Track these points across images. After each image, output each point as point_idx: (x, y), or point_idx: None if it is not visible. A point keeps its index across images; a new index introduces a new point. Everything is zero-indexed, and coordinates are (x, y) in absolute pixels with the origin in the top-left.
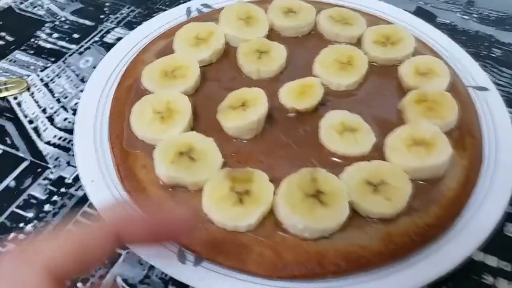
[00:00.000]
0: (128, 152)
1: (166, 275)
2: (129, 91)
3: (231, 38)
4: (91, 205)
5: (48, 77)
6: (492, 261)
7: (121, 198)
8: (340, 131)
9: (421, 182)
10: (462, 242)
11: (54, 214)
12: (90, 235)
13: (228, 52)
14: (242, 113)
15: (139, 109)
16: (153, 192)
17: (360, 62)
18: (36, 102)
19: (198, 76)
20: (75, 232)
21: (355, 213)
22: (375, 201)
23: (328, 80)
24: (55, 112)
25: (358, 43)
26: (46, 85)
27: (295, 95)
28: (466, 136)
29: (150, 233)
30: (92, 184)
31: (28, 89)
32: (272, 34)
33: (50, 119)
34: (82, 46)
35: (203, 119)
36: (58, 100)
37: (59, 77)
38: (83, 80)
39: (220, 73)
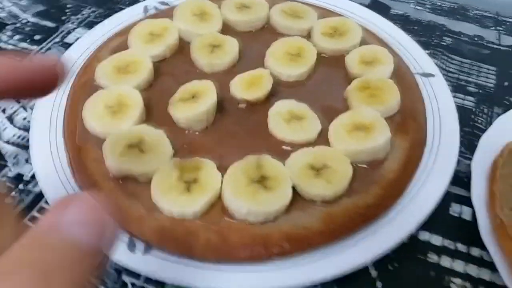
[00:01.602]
0: (81, 147)
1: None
2: (83, 88)
3: (185, 33)
4: (47, 201)
5: None
6: (436, 240)
7: (74, 193)
8: (287, 119)
9: (363, 166)
10: (404, 221)
11: None
12: None
13: (182, 48)
14: (192, 105)
15: (91, 105)
16: (104, 184)
17: (309, 53)
18: None
19: (150, 70)
20: None
21: (299, 196)
22: (316, 184)
23: (278, 71)
24: (14, 112)
25: (309, 35)
26: None
27: (245, 87)
28: (408, 120)
29: (16, 79)
30: (47, 180)
31: None
32: (226, 29)
33: (10, 118)
34: (43, 47)
35: (156, 113)
36: (18, 100)
37: None
38: None
39: (174, 67)
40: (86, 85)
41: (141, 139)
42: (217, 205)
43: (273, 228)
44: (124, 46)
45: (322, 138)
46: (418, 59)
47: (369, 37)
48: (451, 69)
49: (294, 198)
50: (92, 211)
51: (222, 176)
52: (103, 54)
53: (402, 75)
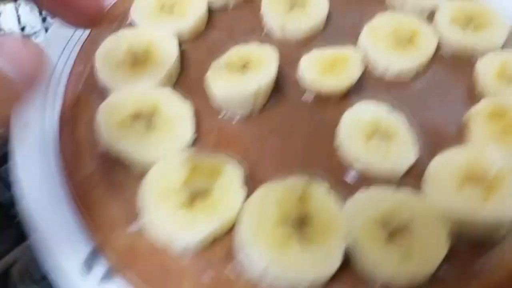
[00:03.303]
0: (80, 97)
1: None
2: (114, 21)
3: None
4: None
5: None
6: None
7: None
8: (369, 133)
9: (466, 242)
10: None
11: None
12: None
13: None
14: (239, 76)
15: (113, 44)
16: (85, 160)
17: (426, 42)
18: (18, 16)
19: (201, 16)
20: None
21: (348, 267)
22: (387, 255)
23: (376, 57)
24: (34, 33)
25: (431, 18)
26: None
27: (321, 69)
28: None
29: None
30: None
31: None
32: None
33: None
34: None
35: (190, 76)
36: (44, 20)
37: None
38: None
39: (235, 21)
40: (118, 19)
41: (155, 109)
42: (224, 240)
43: None
44: None
45: (413, 176)
46: None
47: None
48: None
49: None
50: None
51: (247, 195)
52: None
53: None
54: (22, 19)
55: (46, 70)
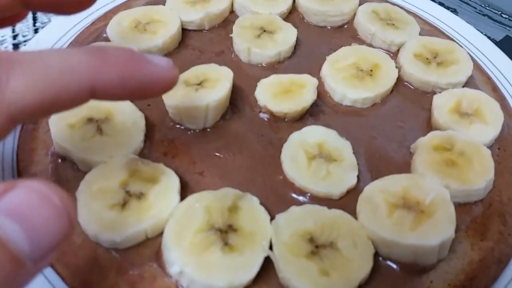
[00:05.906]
0: None
1: None
2: (90, 35)
3: (240, 5)
4: None
5: None
6: None
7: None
8: (311, 155)
9: (394, 266)
10: None
11: None
12: (66, 82)
13: (228, 23)
14: (191, 93)
15: None
16: (39, 157)
17: (385, 75)
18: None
19: (173, 36)
20: (52, 70)
21: (271, 278)
22: (308, 268)
23: (332, 87)
24: (25, 41)
25: (397, 53)
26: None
27: (275, 93)
28: (493, 218)
29: (126, 88)
30: None
31: None
32: (294, 16)
33: (16, 47)
34: None
35: None
36: (36, 30)
37: None
38: None
39: (208, 43)
40: (94, 34)
41: (108, 116)
42: (156, 240)
43: None
44: (161, 2)
45: (349, 200)
46: None
47: (481, 81)
48: None
49: (259, 278)
50: (42, 205)
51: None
52: (134, 4)
53: (510, 146)
54: (16, 28)
55: (68, 236)
